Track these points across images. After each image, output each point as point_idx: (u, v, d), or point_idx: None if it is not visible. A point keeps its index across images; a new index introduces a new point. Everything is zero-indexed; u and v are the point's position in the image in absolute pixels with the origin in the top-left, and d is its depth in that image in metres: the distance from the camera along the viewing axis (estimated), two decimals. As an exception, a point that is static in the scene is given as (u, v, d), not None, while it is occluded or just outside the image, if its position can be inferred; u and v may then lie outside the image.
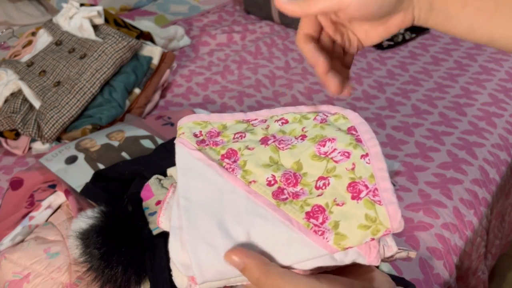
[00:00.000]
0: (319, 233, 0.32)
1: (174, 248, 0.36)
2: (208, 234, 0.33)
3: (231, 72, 1.37)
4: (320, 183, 0.34)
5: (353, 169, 0.34)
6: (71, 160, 0.86)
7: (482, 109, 1.17)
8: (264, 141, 0.39)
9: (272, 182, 0.36)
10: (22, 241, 0.73)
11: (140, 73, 1.14)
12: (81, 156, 0.86)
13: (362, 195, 0.33)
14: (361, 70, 1.37)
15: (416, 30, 1.52)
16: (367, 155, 0.35)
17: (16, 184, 0.82)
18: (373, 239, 0.32)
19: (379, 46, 1.48)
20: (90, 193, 0.76)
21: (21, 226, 0.74)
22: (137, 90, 1.13)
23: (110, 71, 1.06)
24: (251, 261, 0.31)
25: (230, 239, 0.33)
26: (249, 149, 0.38)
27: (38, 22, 1.62)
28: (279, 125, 0.40)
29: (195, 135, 0.40)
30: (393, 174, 0.97)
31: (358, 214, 0.32)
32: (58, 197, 0.78)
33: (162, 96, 1.25)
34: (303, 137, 0.38)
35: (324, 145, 0.36)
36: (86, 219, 0.65)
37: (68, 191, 0.76)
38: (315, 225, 0.32)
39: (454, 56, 1.42)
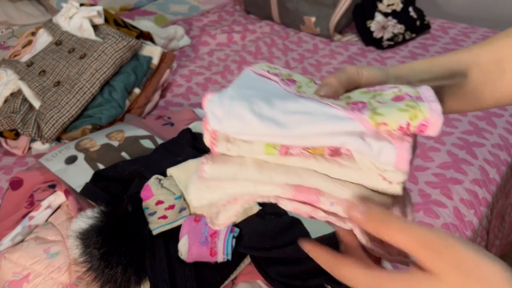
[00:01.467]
0: (356, 110, 0.31)
1: (213, 104, 0.33)
2: (250, 94, 0.33)
3: (231, 72, 1.37)
4: (371, 99, 0.34)
5: (399, 90, 0.34)
6: (71, 160, 0.86)
7: (482, 109, 1.17)
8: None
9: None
10: (22, 241, 0.73)
11: (140, 73, 1.13)
12: (81, 156, 0.86)
13: (404, 99, 0.32)
14: (361, 70, 1.37)
15: (416, 30, 1.52)
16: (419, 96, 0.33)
17: (16, 184, 0.82)
18: (408, 124, 0.30)
19: (379, 46, 1.48)
20: (90, 193, 0.76)
21: (21, 226, 0.74)
22: (137, 90, 1.13)
23: (110, 71, 1.06)
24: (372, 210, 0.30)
25: (269, 103, 0.33)
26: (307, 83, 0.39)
27: (38, 22, 1.62)
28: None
29: (263, 70, 0.40)
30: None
31: (398, 104, 0.31)
32: (58, 197, 0.78)
33: (162, 96, 1.25)
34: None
35: (378, 88, 0.36)
36: (86, 219, 0.65)
37: (68, 191, 0.76)
38: (353, 107, 0.32)
39: (454, 56, 1.42)
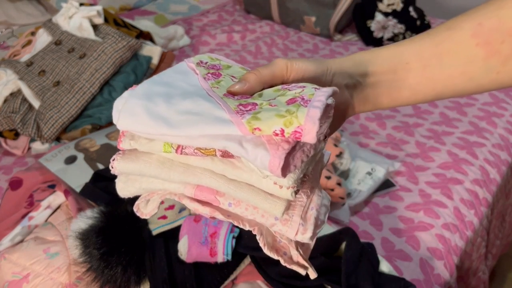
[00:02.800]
0: (240, 113, 0.32)
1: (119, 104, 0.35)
2: (155, 94, 0.34)
3: (231, 72, 1.37)
4: (272, 102, 0.35)
5: (302, 89, 0.34)
6: (71, 160, 0.85)
7: (482, 109, 1.17)
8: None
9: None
10: (21, 241, 0.73)
11: (140, 72, 1.13)
12: (80, 156, 0.86)
13: (295, 102, 0.32)
14: (361, 70, 1.37)
15: (417, 30, 1.52)
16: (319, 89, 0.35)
17: (15, 184, 0.82)
18: (282, 131, 0.30)
19: (379, 46, 1.48)
20: (90, 193, 0.76)
21: (20, 226, 0.74)
22: (137, 90, 1.13)
23: (110, 70, 1.06)
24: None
25: (168, 100, 0.34)
26: (233, 77, 0.39)
27: (37, 21, 1.62)
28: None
29: (201, 61, 0.40)
30: (393, 174, 0.96)
31: (281, 108, 0.32)
32: (58, 197, 0.78)
33: (162, 96, 1.24)
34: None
35: (291, 89, 0.36)
36: (86, 219, 0.65)
37: (68, 191, 0.76)
38: (241, 109, 0.33)
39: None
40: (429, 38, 0.39)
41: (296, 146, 0.31)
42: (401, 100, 0.40)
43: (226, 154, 0.32)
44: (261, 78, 0.36)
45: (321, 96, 0.32)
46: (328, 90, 0.33)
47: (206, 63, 0.40)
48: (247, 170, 0.33)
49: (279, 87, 0.36)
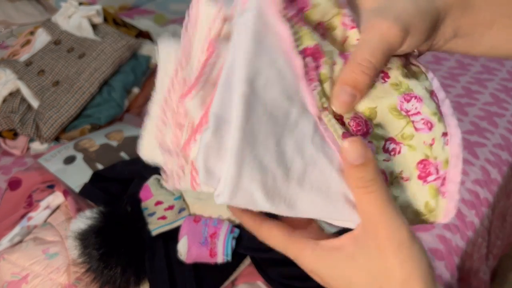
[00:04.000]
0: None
1: (207, 142, 0.25)
2: (263, 150, 0.25)
3: (231, 72, 1.36)
4: (390, 146, 0.29)
5: (431, 145, 0.29)
6: (70, 160, 0.85)
7: (483, 109, 1.17)
8: (344, 58, 0.29)
9: (340, 120, 0.29)
10: (20, 241, 0.73)
11: (139, 72, 1.13)
12: (79, 156, 0.86)
13: (430, 178, 0.29)
14: (361, 70, 1.37)
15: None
16: (447, 134, 0.29)
17: (14, 184, 0.81)
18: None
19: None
20: (89, 193, 0.76)
21: (19, 226, 0.74)
22: (136, 90, 1.12)
23: (109, 70, 1.05)
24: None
25: (284, 168, 0.26)
26: (332, 63, 0.29)
27: (36, 21, 1.62)
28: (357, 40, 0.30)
29: None
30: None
31: (419, 198, 0.29)
32: (57, 198, 0.78)
33: (162, 95, 1.24)
34: (386, 76, 0.30)
35: (408, 101, 0.29)
36: (85, 219, 0.65)
37: (67, 191, 0.76)
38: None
39: (456, 56, 1.41)
40: None
41: None
42: (475, 51, 0.34)
43: None
44: (374, 72, 0.28)
45: (455, 172, 0.29)
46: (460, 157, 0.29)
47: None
48: None
49: (397, 101, 0.29)
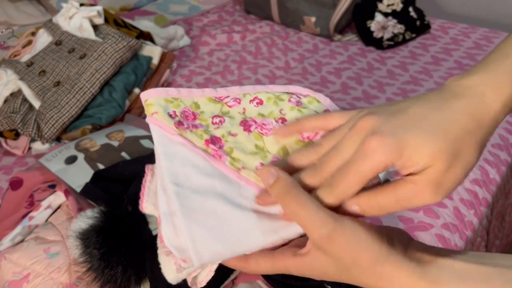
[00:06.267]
0: None
1: (167, 233, 0.35)
2: (204, 216, 0.34)
3: (231, 72, 1.37)
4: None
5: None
6: (71, 160, 0.85)
7: (482, 109, 1.17)
8: (245, 125, 0.39)
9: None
10: (22, 241, 0.73)
11: (140, 73, 1.13)
12: (81, 156, 0.86)
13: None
14: (361, 70, 1.37)
15: (416, 30, 1.52)
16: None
17: (15, 184, 0.82)
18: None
19: (379, 46, 1.48)
20: (90, 193, 0.76)
21: (20, 226, 0.74)
22: (137, 90, 1.13)
23: (110, 71, 1.06)
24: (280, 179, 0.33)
25: (224, 221, 0.34)
26: (232, 135, 0.39)
27: (38, 22, 1.62)
28: (255, 106, 0.41)
29: (170, 116, 0.39)
30: (392, 174, 0.96)
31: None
32: (58, 197, 0.78)
33: (162, 96, 1.24)
34: (283, 120, 0.40)
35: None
36: (86, 219, 0.65)
37: (68, 191, 0.76)
38: None
39: (455, 56, 1.42)
40: None
41: None
42: None
43: None
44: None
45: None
46: None
47: (174, 113, 0.39)
48: None
49: (298, 135, 0.41)
